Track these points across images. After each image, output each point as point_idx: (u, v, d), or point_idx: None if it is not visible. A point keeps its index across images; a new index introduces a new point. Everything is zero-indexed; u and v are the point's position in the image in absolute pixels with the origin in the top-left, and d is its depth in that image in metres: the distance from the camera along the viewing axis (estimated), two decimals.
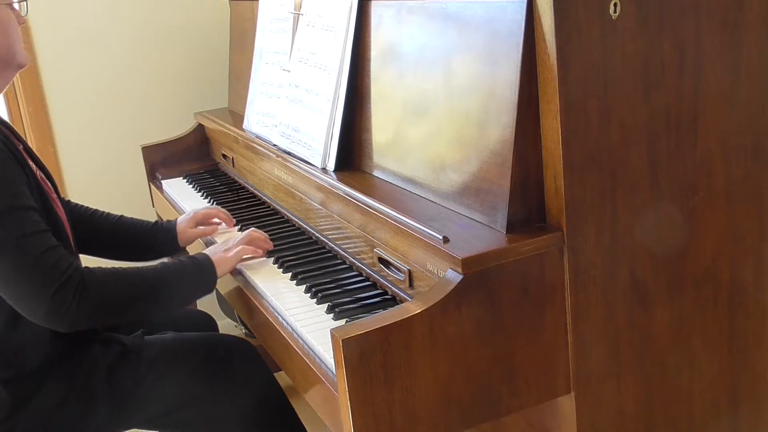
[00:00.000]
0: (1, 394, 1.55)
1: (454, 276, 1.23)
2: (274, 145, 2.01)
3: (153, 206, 2.62)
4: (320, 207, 1.79)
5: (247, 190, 2.32)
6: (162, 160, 2.64)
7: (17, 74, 1.64)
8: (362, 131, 1.71)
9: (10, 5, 1.56)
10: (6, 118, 2.43)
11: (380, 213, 1.46)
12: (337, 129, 1.74)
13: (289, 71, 1.99)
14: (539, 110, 1.25)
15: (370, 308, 1.47)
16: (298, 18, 1.98)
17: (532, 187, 1.28)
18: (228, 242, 1.74)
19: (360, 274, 1.63)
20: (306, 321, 1.48)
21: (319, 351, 1.37)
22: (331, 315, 1.48)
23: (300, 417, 1.78)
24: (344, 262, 1.70)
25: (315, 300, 1.55)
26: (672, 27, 1.28)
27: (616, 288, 1.32)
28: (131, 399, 1.63)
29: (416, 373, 1.21)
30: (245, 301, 1.69)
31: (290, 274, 1.69)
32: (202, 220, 2.01)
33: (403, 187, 1.56)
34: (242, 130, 2.25)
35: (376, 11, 1.65)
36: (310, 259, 1.75)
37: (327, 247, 1.79)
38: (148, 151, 2.63)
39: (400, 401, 1.21)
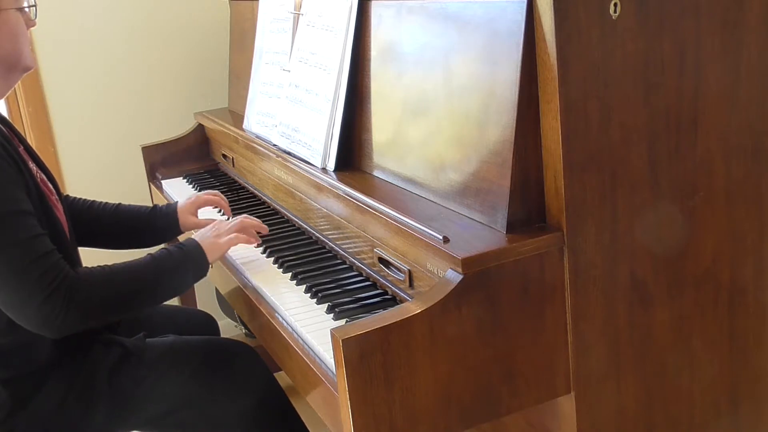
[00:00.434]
0: (1, 394, 1.55)
1: (454, 276, 1.23)
2: (274, 145, 2.01)
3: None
4: (320, 207, 1.79)
5: (247, 190, 2.32)
6: (162, 160, 2.64)
7: (22, 77, 1.64)
8: (362, 131, 1.71)
9: (20, 9, 1.56)
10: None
11: (380, 213, 1.46)
12: (337, 129, 1.74)
13: (289, 71, 1.99)
14: (539, 110, 1.25)
15: (370, 308, 1.47)
16: (298, 18, 1.98)
17: (532, 187, 1.28)
18: (217, 226, 1.72)
19: (360, 274, 1.63)
20: (306, 321, 1.48)
21: (319, 351, 1.37)
22: (331, 315, 1.48)
23: (300, 417, 1.78)
24: (344, 262, 1.70)
25: (315, 300, 1.55)
26: (672, 27, 1.28)
27: (616, 288, 1.32)
28: (131, 399, 1.63)
29: (416, 373, 1.21)
30: (245, 301, 1.69)
31: (290, 274, 1.69)
32: (204, 205, 2.01)
33: (403, 187, 1.56)
34: (242, 130, 2.25)
35: (376, 11, 1.65)
36: (310, 259, 1.75)
37: (327, 247, 1.79)
38: (148, 151, 2.63)
39: (400, 401, 1.21)
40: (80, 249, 1.78)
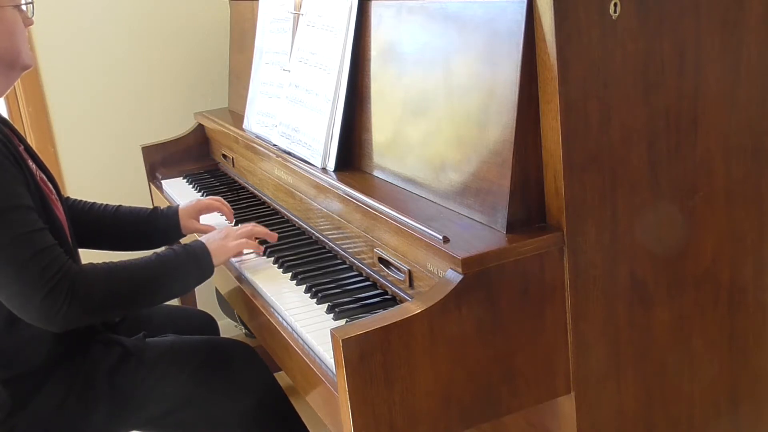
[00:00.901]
0: (1, 394, 1.55)
1: (454, 276, 1.23)
2: (274, 145, 2.01)
3: (153, 206, 2.62)
4: (320, 207, 1.79)
5: (247, 190, 2.32)
6: (162, 160, 2.64)
7: (21, 75, 1.64)
8: (362, 131, 1.71)
9: (17, 7, 1.56)
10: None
11: (380, 213, 1.46)
12: (337, 129, 1.74)
13: (289, 71, 1.99)
14: (539, 110, 1.25)
15: (370, 308, 1.47)
16: (298, 18, 1.98)
17: (532, 187, 1.28)
18: (227, 231, 1.72)
19: (360, 274, 1.63)
20: (306, 321, 1.48)
21: (319, 351, 1.37)
22: (331, 315, 1.48)
23: (300, 417, 1.78)
24: (344, 262, 1.70)
25: (315, 300, 1.55)
26: (672, 27, 1.28)
27: (616, 288, 1.32)
28: (131, 399, 1.63)
29: (416, 373, 1.21)
30: (245, 302, 1.69)
31: (290, 274, 1.69)
32: (205, 210, 2.01)
33: (403, 187, 1.56)
34: (242, 130, 2.25)
35: (376, 11, 1.65)
36: (310, 259, 1.75)
37: (327, 247, 1.79)
38: (148, 151, 2.63)
39: (400, 401, 1.21)
40: (81, 251, 1.78)
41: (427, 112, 1.48)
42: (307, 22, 1.91)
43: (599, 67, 1.22)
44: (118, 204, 1.97)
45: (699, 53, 1.31)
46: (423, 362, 1.21)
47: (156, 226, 1.94)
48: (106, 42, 2.72)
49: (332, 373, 1.31)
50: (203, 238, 1.68)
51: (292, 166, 1.87)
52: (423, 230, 1.32)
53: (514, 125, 1.25)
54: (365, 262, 1.61)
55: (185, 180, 2.55)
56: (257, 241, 1.78)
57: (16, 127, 2.58)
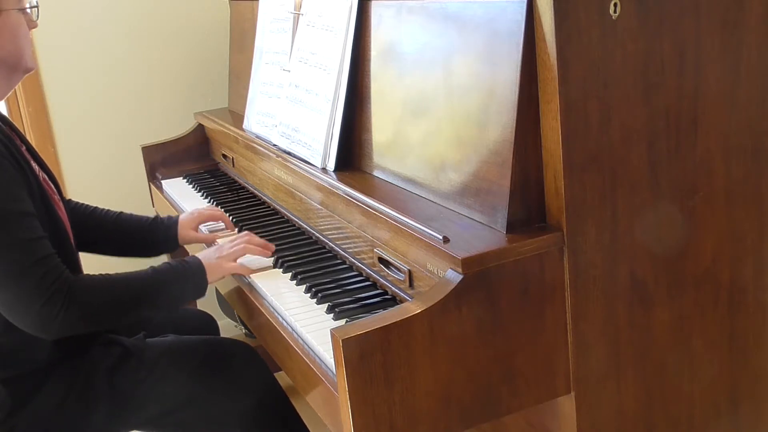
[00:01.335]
0: (1, 394, 1.55)
1: (454, 276, 1.23)
2: (274, 145, 2.01)
3: (153, 206, 2.62)
4: (320, 207, 1.79)
5: (247, 190, 2.32)
6: (162, 160, 2.64)
7: (23, 78, 1.64)
8: (362, 131, 1.71)
9: (22, 10, 1.55)
10: None
11: (380, 213, 1.46)
12: (337, 129, 1.74)
13: (289, 71, 1.99)
14: (539, 110, 1.25)
15: (370, 308, 1.47)
16: (298, 18, 1.98)
17: (532, 187, 1.28)
18: (223, 248, 1.71)
19: (360, 274, 1.63)
20: (306, 321, 1.48)
21: (319, 351, 1.37)
22: (331, 315, 1.48)
23: (300, 417, 1.78)
24: (344, 262, 1.70)
25: (315, 300, 1.55)
26: (672, 27, 1.28)
27: (616, 288, 1.32)
28: (131, 399, 1.63)
29: (416, 373, 1.21)
30: (245, 302, 1.69)
31: (290, 274, 1.69)
32: (206, 221, 2.01)
33: (403, 187, 1.56)
34: (242, 130, 2.25)
35: (376, 11, 1.65)
36: (310, 259, 1.75)
37: (327, 247, 1.79)
38: (148, 151, 2.63)
39: (400, 401, 1.21)
40: (81, 255, 1.78)
41: (427, 112, 1.48)
42: (307, 22, 1.91)
43: (599, 67, 1.22)
44: (119, 211, 1.97)
45: (699, 53, 1.31)
46: (423, 362, 1.21)
47: (156, 235, 1.95)
48: (106, 42, 2.72)
49: (332, 373, 1.31)
50: (200, 255, 1.69)
51: (292, 166, 1.87)
52: (423, 230, 1.32)
53: (514, 125, 1.25)
54: (365, 262, 1.61)
55: (185, 180, 2.55)
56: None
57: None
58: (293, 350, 1.43)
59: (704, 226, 1.39)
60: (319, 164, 1.77)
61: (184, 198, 2.36)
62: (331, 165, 1.75)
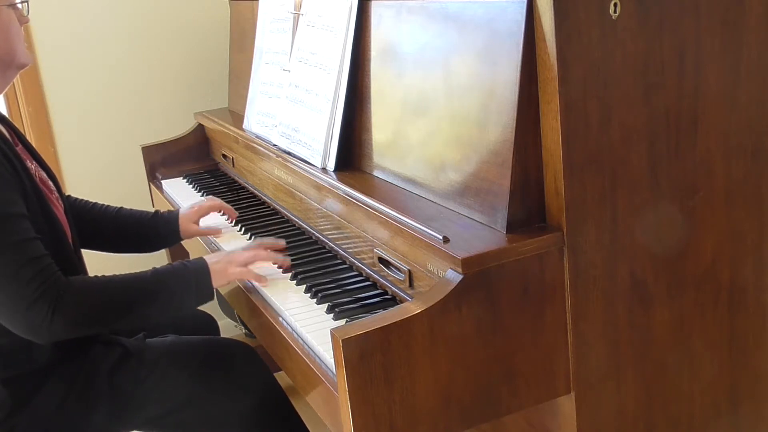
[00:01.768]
0: (1, 394, 1.55)
1: (454, 276, 1.23)
2: (274, 145, 2.01)
3: (153, 206, 2.62)
4: (320, 207, 1.79)
5: (247, 190, 2.32)
6: (162, 160, 2.64)
7: (18, 74, 1.64)
8: (362, 131, 1.71)
9: (12, 5, 1.55)
10: None
11: (380, 213, 1.46)
12: (337, 129, 1.74)
13: (289, 71, 1.99)
14: (539, 110, 1.25)
15: (370, 308, 1.47)
16: (298, 18, 1.98)
17: (532, 187, 1.28)
18: (233, 254, 1.67)
19: (360, 274, 1.63)
20: (306, 321, 1.48)
21: (319, 351, 1.37)
22: (331, 315, 1.48)
23: (300, 417, 1.78)
24: (344, 262, 1.70)
25: (315, 300, 1.55)
26: (672, 27, 1.28)
27: (616, 288, 1.32)
28: (131, 400, 1.63)
29: (416, 373, 1.21)
30: (245, 302, 1.69)
31: (290, 274, 1.68)
32: (207, 213, 2.01)
33: (403, 187, 1.56)
34: (242, 130, 2.25)
35: (376, 11, 1.65)
36: (310, 259, 1.75)
37: (327, 247, 1.79)
38: (148, 151, 2.63)
39: (400, 401, 1.21)
40: (85, 255, 1.77)
41: (427, 112, 1.48)
42: (307, 22, 1.91)
43: (599, 67, 1.22)
44: (119, 206, 1.97)
45: (699, 53, 1.31)
46: (423, 362, 1.21)
47: (157, 230, 1.94)
48: (106, 42, 2.72)
49: (332, 373, 1.31)
50: (207, 258, 1.64)
51: (292, 166, 1.87)
52: (423, 230, 1.32)
53: (514, 125, 1.25)
54: (365, 262, 1.61)
55: (185, 180, 2.55)
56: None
57: (16, 126, 2.58)
58: (293, 350, 1.43)
59: (704, 226, 1.39)
60: (319, 164, 1.77)
61: (184, 198, 2.36)
62: (331, 165, 1.75)
